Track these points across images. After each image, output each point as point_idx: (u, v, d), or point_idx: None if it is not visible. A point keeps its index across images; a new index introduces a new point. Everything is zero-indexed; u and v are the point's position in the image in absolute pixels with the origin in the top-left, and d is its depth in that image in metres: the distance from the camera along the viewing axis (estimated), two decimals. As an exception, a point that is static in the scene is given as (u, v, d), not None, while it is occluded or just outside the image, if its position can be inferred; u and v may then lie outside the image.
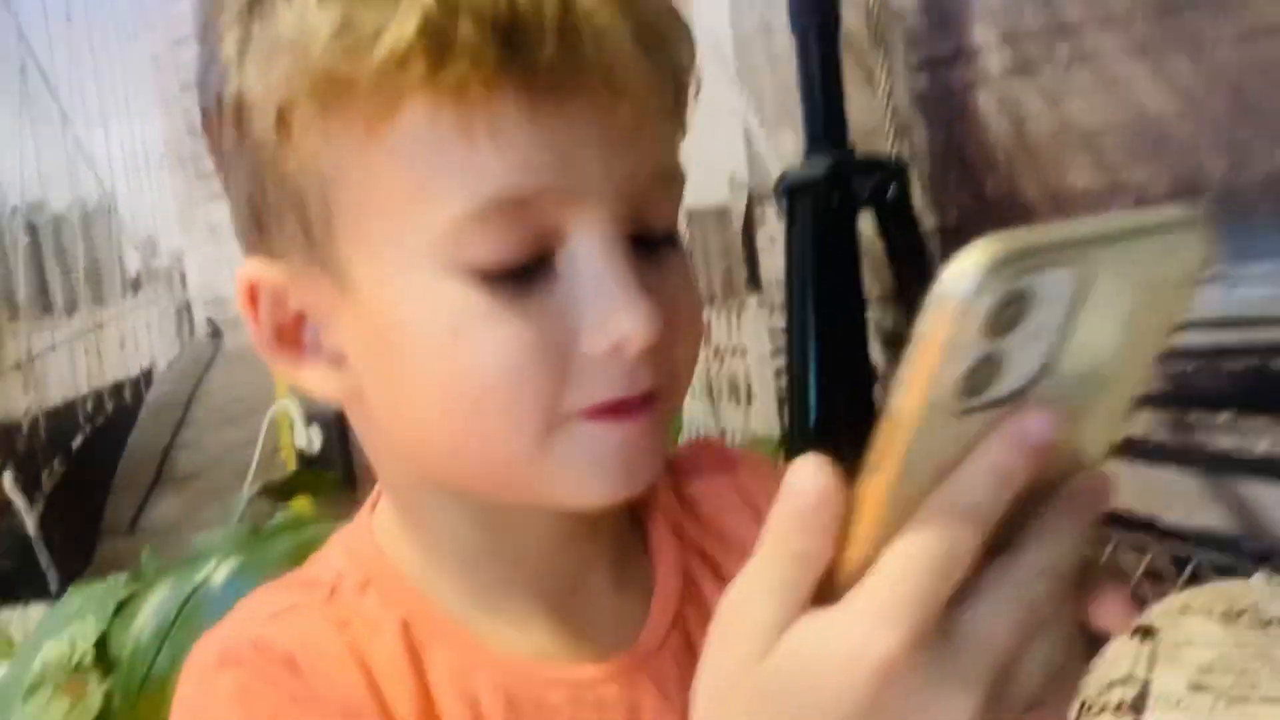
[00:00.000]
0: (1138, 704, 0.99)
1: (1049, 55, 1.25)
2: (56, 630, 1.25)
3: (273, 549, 0.96)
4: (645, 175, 0.42)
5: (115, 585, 1.32)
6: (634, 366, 0.41)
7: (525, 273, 0.40)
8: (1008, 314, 0.27)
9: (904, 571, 0.28)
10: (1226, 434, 1.19)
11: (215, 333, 1.70)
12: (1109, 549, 1.28)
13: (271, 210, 0.42)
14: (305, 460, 1.89)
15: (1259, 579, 1.11)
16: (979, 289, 0.26)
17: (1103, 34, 1.21)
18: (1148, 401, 1.25)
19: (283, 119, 0.40)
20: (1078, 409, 0.30)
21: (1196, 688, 0.97)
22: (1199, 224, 0.29)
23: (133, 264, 2.00)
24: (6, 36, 2.00)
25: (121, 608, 1.24)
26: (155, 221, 1.80)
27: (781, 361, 1.60)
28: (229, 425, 2.05)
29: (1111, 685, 1.02)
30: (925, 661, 0.28)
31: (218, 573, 0.93)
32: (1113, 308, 0.28)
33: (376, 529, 0.48)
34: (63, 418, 2.30)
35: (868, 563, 0.29)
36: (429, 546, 0.46)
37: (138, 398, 2.21)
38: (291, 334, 0.44)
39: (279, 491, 1.61)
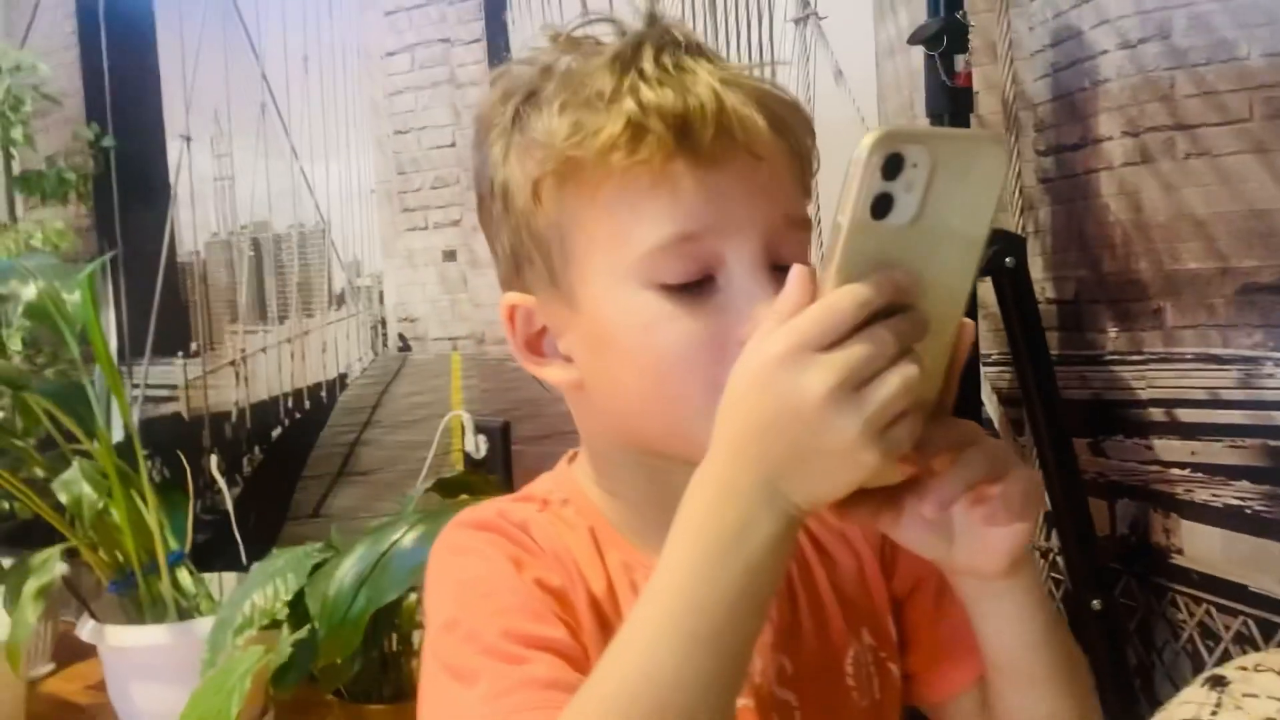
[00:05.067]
0: (1197, 741, 1.07)
1: (1168, 150, 1.34)
2: (263, 582, 1.48)
3: (447, 519, 1.15)
4: (779, 218, 0.58)
5: (311, 550, 1.54)
6: None
7: (697, 286, 0.56)
8: (890, 166, 0.45)
9: (805, 315, 0.45)
10: (1317, 509, 1.25)
11: (405, 347, 1.90)
12: (1202, 611, 1.35)
13: (526, 257, 0.60)
14: (471, 463, 2.09)
15: (1332, 644, 1.17)
16: (873, 148, 0.44)
17: (1218, 131, 1.30)
18: (1245, 475, 1.32)
19: (535, 191, 0.58)
20: (939, 263, 0.47)
21: (1252, 731, 1.04)
22: (1001, 141, 0.53)
23: (339, 281, 2.26)
24: (252, 79, 2.30)
25: (316, 569, 1.45)
26: (361, 246, 2.04)
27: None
28: (408, 428, 2.27)
29: (1175, 722, 1.10)
30: (802, 360, 0.45)
31: (406, 536, 1.12)
32: (954, 188, 0.45)
33: (575, 472, 0.67)
34: (266, 411, 2.58)
35: None
36: (612, 490, 0.65)
37: (332, 398, 2.46)
38: (536, 343, 0.62)
39: (449, 487, 1.81)
